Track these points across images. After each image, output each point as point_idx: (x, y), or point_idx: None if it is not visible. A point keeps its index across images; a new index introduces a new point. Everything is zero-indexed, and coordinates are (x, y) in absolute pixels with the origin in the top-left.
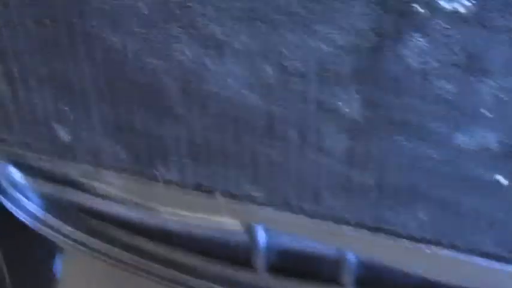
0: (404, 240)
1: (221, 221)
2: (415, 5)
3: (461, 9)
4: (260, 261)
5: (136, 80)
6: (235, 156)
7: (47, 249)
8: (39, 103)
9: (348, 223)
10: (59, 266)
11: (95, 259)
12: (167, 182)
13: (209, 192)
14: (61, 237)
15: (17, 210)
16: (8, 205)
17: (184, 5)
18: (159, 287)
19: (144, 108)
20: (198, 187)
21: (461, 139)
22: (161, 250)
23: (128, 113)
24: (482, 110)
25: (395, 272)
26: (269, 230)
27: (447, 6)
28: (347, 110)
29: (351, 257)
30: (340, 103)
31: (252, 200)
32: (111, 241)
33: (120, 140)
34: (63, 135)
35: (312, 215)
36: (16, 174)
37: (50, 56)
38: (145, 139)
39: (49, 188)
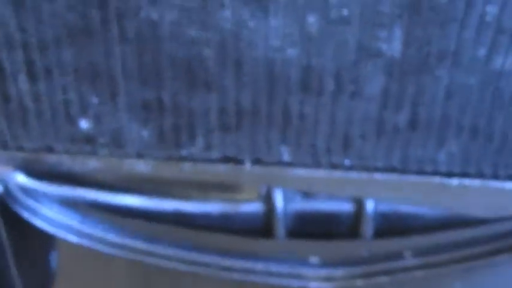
0: (431, 176)
1: (237, 195)
2: None
3: None
4: (279, 228)
5: (170, 52)
6: (267, 118)
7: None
8: (63, 97)
9: (376, 169)
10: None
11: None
12: (194, 160)
13: (236, 162)
14: (77, 237)
15: (31, 215)
16: (22, 212)
17: None
18: (163, 277)
19: (175, 81)
20: (225, 159)
21: (500, 61)
22: (178, 232)
23: (157, 89)
24: None
25: (411, 219)
26: (286, 195)
27: None
28: (388, 50)
29: (370, 208)
30: (382, 44)
31: (281, 162)
32: (130, 234)
33: (146, 121)
34: (87, 127)
35: (340, 168)
36: (26, 179)
37: (78, 43)
38: (173, 115)
39: (64, 190)
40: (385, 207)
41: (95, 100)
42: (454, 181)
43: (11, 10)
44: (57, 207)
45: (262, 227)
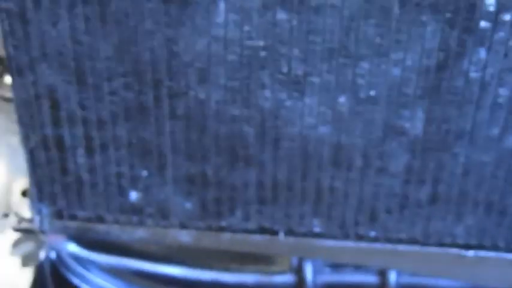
0: (449, 248)
1: (270, 267)
2: (481, 21)
3: None
4: None
5: (215, 129)
6: (300, 192)
7: None
8: (116, 170)
9: (399, 241)
10: None
11: None
12: (233, 231)
13: (272, 233)
14: None
15: (80, 282)
16: (72, 278)
17: (271, 50)
18: None
19: (218, 156)
20: (261, 230)
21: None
22: None
23: (201, 164)
24: None
25: None
26: (316, 267)
27: (507, 17)
28: (411, 129)
29: (393, 280)
30: (405, 123)
31: (312, 234)
32: None
33: (190, 193)
34: (136, 199)
35: (366, 239)
36: (77, 248)
37: (132, 119)
38: (215, 189)
39: (111, 259)
40: (407, 280)
41: (144, 173)
42: (471, 253)
43: (74, 88)
44: (105, 276)
45: None
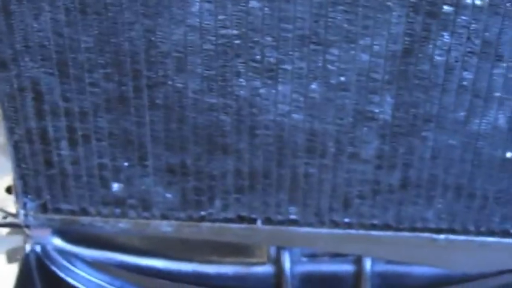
0: (421, 233)
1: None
2: (444, 6)
3: (478, 2)
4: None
5: (192, 119)
6: (276, 180)
7: None
8: (97, 162)
9: (373, 227)
10: None
11: None
12: (213, 221)
13: (250, 222)
14: None
15: (65, 275)
16: (57, 271)
17: (245, 38)
18: None
19: (197, 146)
20: (240, 219)
21: (477, 123)
22: None
23: (181, 153)
24: (495, 93)
25: (408, 278)
26: (293, 258)
27: (469, 1)
28: (381, 114)
29: (368, 268)
30: (375, 109)
31: (289, 221)
32: None
33: (171, 183)
34: (118, 190)
35: (341, 226)
36: (61, 242)
37: (113, 111)
38: (195, 178)
39: (94, 253)
40: (382, 268)
41: (125, 164)
42: (442, 237)
43: (56, 81)
44: (89, 268)
45: (272, 287)
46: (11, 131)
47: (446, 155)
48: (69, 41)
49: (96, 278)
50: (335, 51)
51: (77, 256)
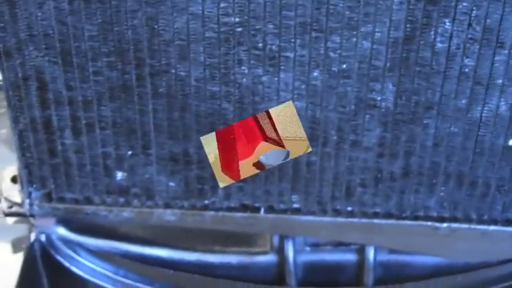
0: (423, 221)
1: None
2: None
3: None
4: (290, 277)
5: (195, 107)
6: (278, 168)
7: None
8: (101, 151)
9: (376, 215)
10: None
11: None
12: (216, 210)
13: (253, 210)
14: (111, 285)
15: (69, 264)
16: (62, 260)
17: (247, 26)
18: None
19: (199, 134)
20: (243, 208)
21: (479, 110)
22: (200, 280)
23: (183, 141)
24: (497, 80)
25: (410, 267)
26: (296, 247)
27: None
28: (383, 101)
29: (370, 257)
30: (377, 96)
31: (291, 210)
32: (158, 281)
33: (174, 172)
34: (122, 180)
35: (343, 215)
36: (65, 231)
37: (116, 99)
38: (198, 167)
39: (99, 242)
40: (385, 257)
41: (129, 153)
42: (444, 225)
43: (60, 69)
44: (93, 257)
45: (275, 276)
46: (15, 120)
47: (448, 142)
48: (72, 29)
49: (100, 267)
50: (337, 38)
51: (81, 245)
